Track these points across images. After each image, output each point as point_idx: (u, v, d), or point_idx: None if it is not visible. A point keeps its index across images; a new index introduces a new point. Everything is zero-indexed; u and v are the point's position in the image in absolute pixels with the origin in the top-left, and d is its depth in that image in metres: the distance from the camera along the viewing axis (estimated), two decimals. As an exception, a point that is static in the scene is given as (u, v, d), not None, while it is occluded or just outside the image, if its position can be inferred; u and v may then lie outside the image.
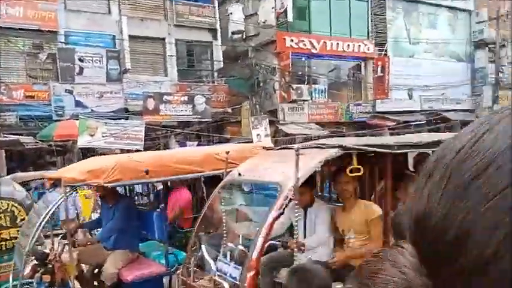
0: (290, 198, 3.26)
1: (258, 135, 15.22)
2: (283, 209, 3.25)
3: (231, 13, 17.79)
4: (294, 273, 2.12)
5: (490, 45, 23.20)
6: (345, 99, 19.24)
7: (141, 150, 12.85)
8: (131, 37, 15.62)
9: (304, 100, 17.24)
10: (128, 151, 12.35)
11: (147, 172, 4.57)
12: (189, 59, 17.46)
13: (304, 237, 3.83)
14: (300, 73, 18.10)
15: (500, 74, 21.60)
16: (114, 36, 15.67)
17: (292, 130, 16.31)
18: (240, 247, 3.52)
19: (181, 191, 6.26)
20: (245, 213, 4.71)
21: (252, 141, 15.24)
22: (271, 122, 16.11)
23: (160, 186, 7.87)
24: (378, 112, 19.22)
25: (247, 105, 16.47)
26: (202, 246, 4.06)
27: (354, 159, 3.43)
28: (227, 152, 4.77)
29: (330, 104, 18.31)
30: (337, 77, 19.59)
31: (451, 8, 23.02)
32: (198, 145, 14.32)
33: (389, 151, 3.72)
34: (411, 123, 18.67)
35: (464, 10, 23.47)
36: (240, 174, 3.92)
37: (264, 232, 3.17)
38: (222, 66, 17.50)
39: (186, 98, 15.50)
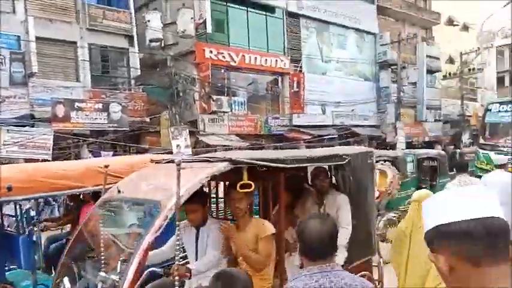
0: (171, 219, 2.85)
1: (178, 146, 14.82)
2: (160, 231, 2.79)
3: (149, 20, 17.23)
4: (218, 278, 2.09)
5: (392, 67, 25.16)
6: (264, 112, 19.56)
7: (49, 160, 11.86)
8: (39, 39, 14.40)
9: (224, 112, 17.18)
10: (35, 161, 11.33)
11: (9, 189, 3.84)
12: (103, 65, 16.53)
13: (196, 259, 3.51)
14: (220, 85, 18.05)
15: (402, 94, 23.42)
16: (19, 37, 14.32)
17: (213, 141, 16.11)
18: (113, 277, 2.97)
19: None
20: (125, 236, 4.06)
21: (171, 152, 14.83)
22: (192, 133, 15.80)
23: (27, 205, 7.07)
24: (295, 126, 19.82)
25: (166, 114, 15.95)
26: (65, 278, 3.42)
27: (245, 174, 3.20)
28: (106, 166, 4.13)
29: (249, 116, 18.48)
30: (256, 90, 19.87)
31: (358, 30, 24.64)
32: (113, 155, 13.56)
33: (282, 165, 3.51)
34: (324, 137, 19.47)
35: (369, 33, 25.26)
36: (119, 191, 3.42)
37: (137, 259, 2.71)
38: (139, 74, 16.82)
39: (100, 105, 14.59)
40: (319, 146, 19.18)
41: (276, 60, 19.95)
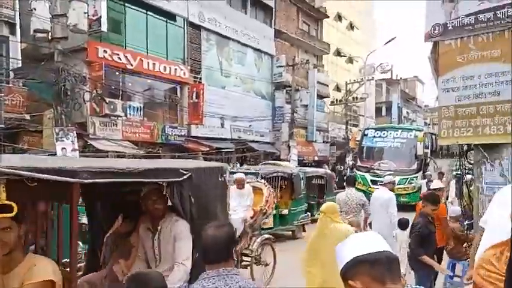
0: None
1: (63, 148, 13.12)
2: None
3: (35, 8, 15.34)
4: (132, 280, 2.10)
5: (287, 88, 25.97)
6: (161, 120, 18.57)
7: None
8: None
9: (118, 116, 15.84)
10: None
11: None
12: (-24, 52, 14.19)
13: None
14: (114, 87, 16.69)
15: (295, 114, 24.18)
16: None
17: (104, 146, 14.68)
18: None
19: None
20: None
21: (55, 155, 13.11)
22: (80, 136, 14.18)
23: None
24: (193, 136, 19.13)
25: (50, 113, 14.10)
26: None
27: (1, 190, 2.14)
28: None
29: (145, 123, 17.31)
30: (153, 97, 18.79)
31: (256, 50, 25.08)
32: (-17, 154, 11.47)
33: (66, 179, 2.42)
34: (222, 150, 19.10)
35: (267, 53, 25.90)
36: None
37: None
38: (20, 65, 14.76)
39: (-31, 96, 12.37)
40: (217, 159, 18.76)
41: (176, 69, 19.19)
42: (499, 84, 4.79)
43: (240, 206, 7.31)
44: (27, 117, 13.88)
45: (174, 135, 18.18)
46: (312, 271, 4.39)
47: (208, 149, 18.50)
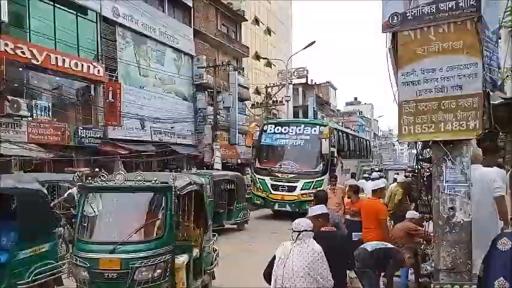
0: None
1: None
2: None
3: None
4: None
5: (208, 90, 25.22)
6: (73, 121, 16.84)
7: None
8: None
9: (22, 116, 14.04)
10: None
11: None
12: None
13: None
14: (17, 85, 14.81)
15: (218, 116, 23.52)
16: None
17: (5, 150, 12.86)
18: None
19: None
20: None
21: None
22: (-24, 138, 12.30)
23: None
24: (110, 139, 17.63)
25: None
26: None
27: None
28: None
29: (55, 124, 15.54)
30: (64, 96, 16.98)
31: (175, 49, 24.04)
32: None
33: None
34: (143, 153, 17.89)
35: (187, 54, 24.96)
36: None
37: None
38: None
39: None
40: (137, 162, 17.54)
41: (89, 66, 17.57)
42: (461, 77, 4.59)
43: None
44: None
45: (89, 137, 16.57)
46: None
47: (127, 152, 17.16)
